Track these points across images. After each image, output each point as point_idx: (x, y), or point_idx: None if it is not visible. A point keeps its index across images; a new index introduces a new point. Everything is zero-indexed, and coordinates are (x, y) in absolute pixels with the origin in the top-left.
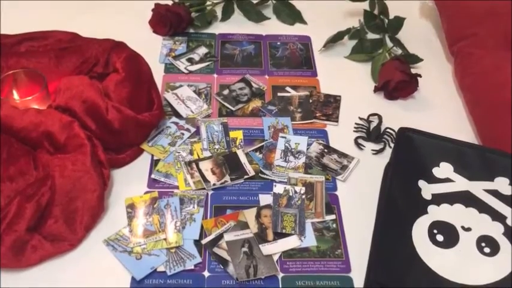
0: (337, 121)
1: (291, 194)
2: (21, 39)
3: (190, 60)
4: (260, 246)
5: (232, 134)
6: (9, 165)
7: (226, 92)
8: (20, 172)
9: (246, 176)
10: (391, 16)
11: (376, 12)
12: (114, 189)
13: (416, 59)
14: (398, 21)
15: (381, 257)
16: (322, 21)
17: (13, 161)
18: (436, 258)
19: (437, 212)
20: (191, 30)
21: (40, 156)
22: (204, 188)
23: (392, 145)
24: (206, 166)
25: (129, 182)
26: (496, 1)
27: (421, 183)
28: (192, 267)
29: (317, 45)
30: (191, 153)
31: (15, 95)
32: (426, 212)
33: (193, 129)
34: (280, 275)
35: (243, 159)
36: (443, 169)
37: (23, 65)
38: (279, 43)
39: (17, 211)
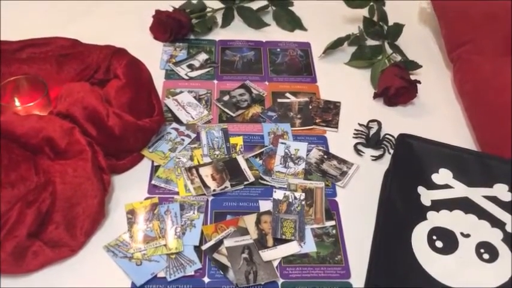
0: (336, 127)
1: (290, 200)
2: (23, 45)
3: (191, 67)
4: (260, 252)
5: (232, 140)
6: (10, 171)
7: (226, 98)
8: (21, 178)
9: (246, 182)
10: (391, 23)
11: (375, 18)
12: (114, 195)
13: (416, 66)
14: (398, 28)
15: (380, 263)
16: (322, 27)
17: (14, 167)
18: (435, 265)
19: (437, 218)
20: (191, 37)
21: (41, 162)
22: (204, 194)
23: (391, 151)
24: (206, 172)
25: (130, 187)
26: (494, 6)
27: (421, 189)
28: (192, 273)
29: (317, 51)
30: (191, 159)
31: (17, 102)
32: (425, 218)
33: (193, 135)
34: (280, 281)
35: (243, 165)
36: (443, 175)
37: (24, 72)
38: (278, 49)
39: (17, 217)
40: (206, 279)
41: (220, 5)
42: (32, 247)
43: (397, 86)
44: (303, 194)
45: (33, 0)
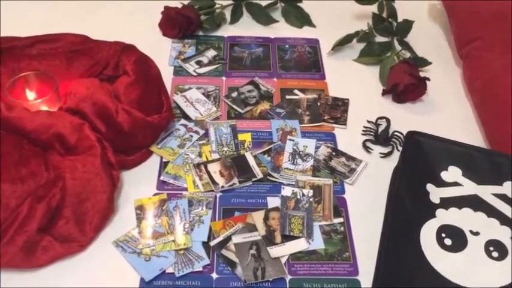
0: (345, 124)
1: (298, 197)
2: (34, 41)
3: (199, 63)
4: (268, 248)
5: (240, 137)
6: (20, 166)
7: (234, 94)
8: (32, 173)
9: (254, 179)
10: (400, 19)
11: (384, 15)
12: (123, 190)
13: (425, 62)
14: (407, 24)
15: (388, 260)
16: (331, 24)
17: (24, 163)
18: (444, 262)
19: (446, 216)
20: (200, 33)
21: (51, 157)
22: (213, 190)
23: (400, 148)
24: (215, 168)
25: (138, 183)
26: (503, 5)
27: (430, 186)
28: (201, 268)
29: (325, 48)
30: (200, 155)
31: (27, 97)
32: (434, 216)
33: (202, 132)
34: (288, 277)
35: (252, 161)
36: (452, 173)
37: (34, 67)
38: (287, 46)
39: (28, 212)
40: (214, 275)
41: (229, 1)
42: (41, 242)
43: (406, 83)
44: (311, 190)
45: (40, 0)
